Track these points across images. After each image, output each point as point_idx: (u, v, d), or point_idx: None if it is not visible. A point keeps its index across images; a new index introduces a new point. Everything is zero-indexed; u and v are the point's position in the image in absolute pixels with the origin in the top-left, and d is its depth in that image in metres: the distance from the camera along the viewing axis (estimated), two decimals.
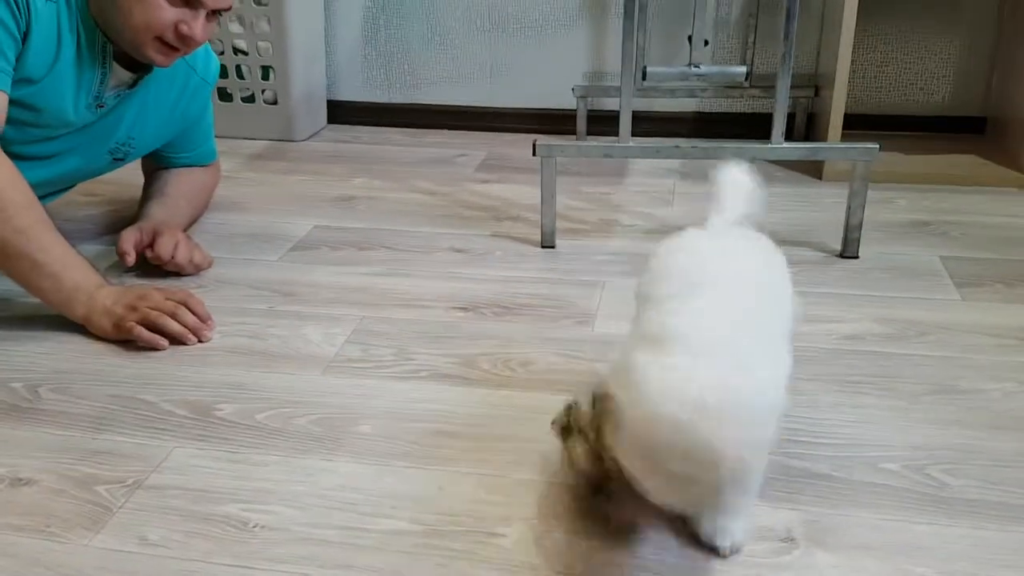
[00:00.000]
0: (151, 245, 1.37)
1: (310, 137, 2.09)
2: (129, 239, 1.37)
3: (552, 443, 0.86)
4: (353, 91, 2.17)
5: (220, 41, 1.96)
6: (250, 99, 2.03)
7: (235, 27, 1.96)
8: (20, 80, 1.18)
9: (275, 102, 2.02)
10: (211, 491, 0.91)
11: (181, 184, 1.52)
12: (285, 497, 0.90)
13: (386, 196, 1.72)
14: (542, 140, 1.42)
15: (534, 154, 1.42)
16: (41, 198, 1.23)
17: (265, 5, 1.91)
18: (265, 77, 2.00)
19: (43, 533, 0.85)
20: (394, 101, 2.17)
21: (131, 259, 1.35)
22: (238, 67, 2.00)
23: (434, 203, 1.69)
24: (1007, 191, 1.67)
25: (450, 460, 0.96)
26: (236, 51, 1.98)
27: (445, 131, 2.13)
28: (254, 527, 0.86)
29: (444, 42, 2.10)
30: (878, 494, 0.89)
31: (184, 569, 0.81)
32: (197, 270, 1.39)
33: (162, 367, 1.14)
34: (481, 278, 1.39)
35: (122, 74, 1.30)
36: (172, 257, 1.36)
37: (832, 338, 1.18)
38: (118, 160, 1.44)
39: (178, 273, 1.38)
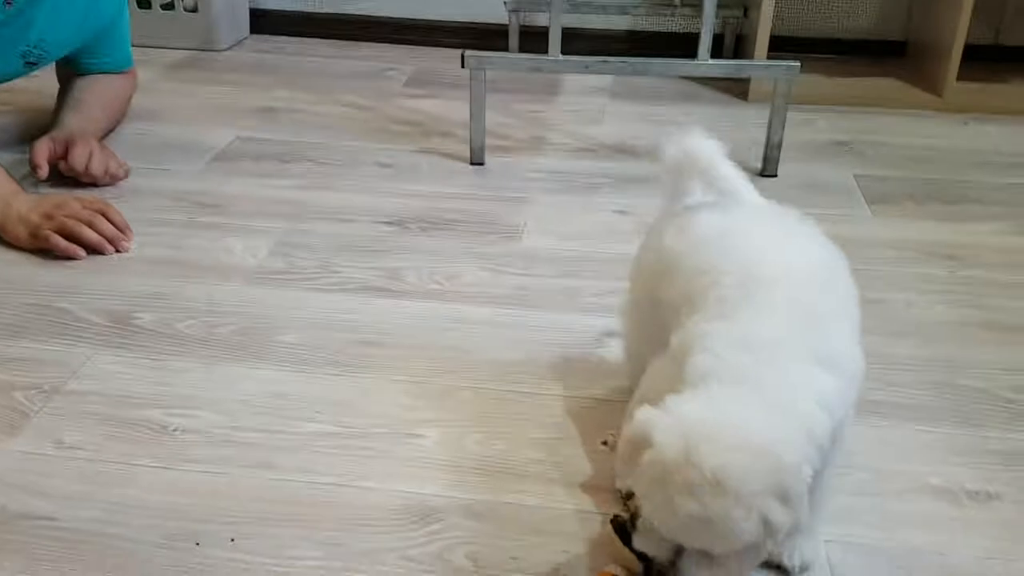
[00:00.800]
0: (65, 156, 1.32)
1: (232, 47, 2.01)
2: (42, 151, 1.31)
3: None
4: (277, 0, 2.10)
5: None
6: (169, 6, 1.94)
7: None
8: None
9: (195, 10, 1.94)
10: (131, 396, 0.91)
11: (96, 91, 1.46)
12: (207, 402, 0.90)
13: (310, 109, 1.68)
14: (471, 53, 1.40)
15: (463, 66, 1.40)
16: None
17: None
18: None
19: None
20: (321, 11, 2.10)
21: (44, 172, 1.30)
22: None
23: (361, 117, 1.66)
24: (923, 113, 1.72)
25: (375, 368, 0.98)
26: None
27: (373, 44, 2.08)
28: (174, 430, 0.86)
29: None
30: None
31: (102, 470, 0.81)
32: (113, 180, 1.35)
33: (80, 276, 1.12)
34: (408, 193, 1.38)
35: None
36: (86, 168, 1.31)
37: None
38: (31, 64, 1.38)
39: (94, 184, 1.33)
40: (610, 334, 1.02)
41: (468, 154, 1.49)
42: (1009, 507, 0.79)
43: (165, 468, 0.82)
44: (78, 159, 1.31)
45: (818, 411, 0.60)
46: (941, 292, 1.13)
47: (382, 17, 2.08)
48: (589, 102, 1.77)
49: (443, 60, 1.99)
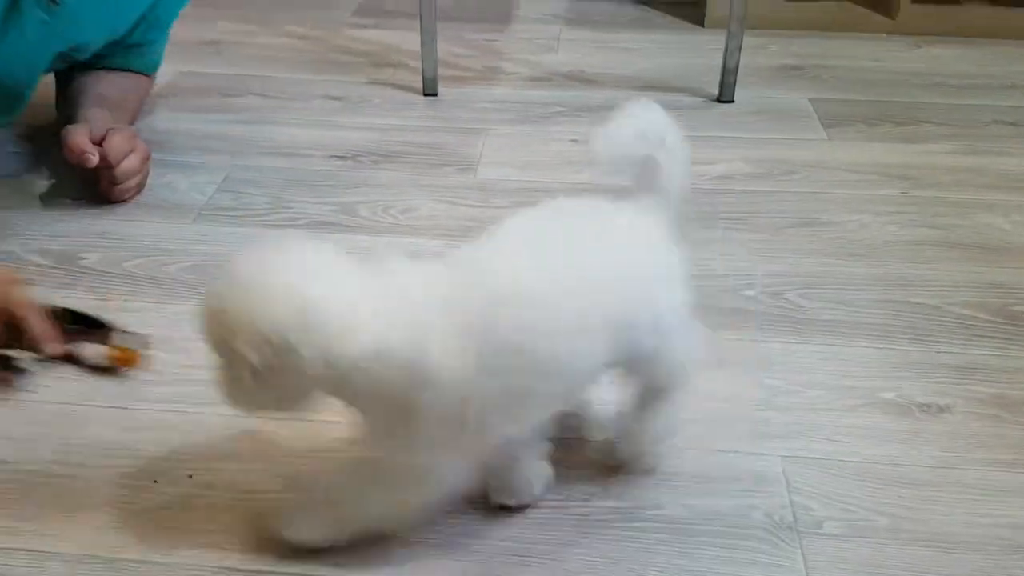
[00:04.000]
0: (100, 143, 1.09)
1: None
2: (82, 135, 1.08)
3: None
4: None
5: None
6: None
7: None
8: None
9: None
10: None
11: (119, 88, 1.23)
12: (158, 341, 0.88)
13: (254, 41, 1.63)
14: None
15: None
16: None
17: None
18: None
19: None
20: None
21: (95, 158, 1.06)
22: None
23: (307, 48, 1.61)
24: (875, 36, 1.71)
25: None
26: None
27: None
28: (127, 371, 0.84)
29: None
30: (739, 318, 0.94)
31: (56, 412, 0.79)
32: (130, 194, 1.13)
33: (21, 217, 1.08)
34: (359, 126, 1.34)
35: None
36: (119, 164, 1.09)
37: (704, 179, 1.21)
38: (63, 62, 1.20)
39: (110, 184, 1.11)
40: None
41: (420, 85, 1.45)
42: (959, 418, 0.82)
43: (119, 408, 0.80)
44: (117, 149, 1.09)
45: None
46: (894, 213, 1.14)
47: None
48: (543, 30, 1.73)
49: None
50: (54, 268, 0.99)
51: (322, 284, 0.58)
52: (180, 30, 1.63)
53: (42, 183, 1.17)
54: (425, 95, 1.44)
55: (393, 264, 0.63)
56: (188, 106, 1.38)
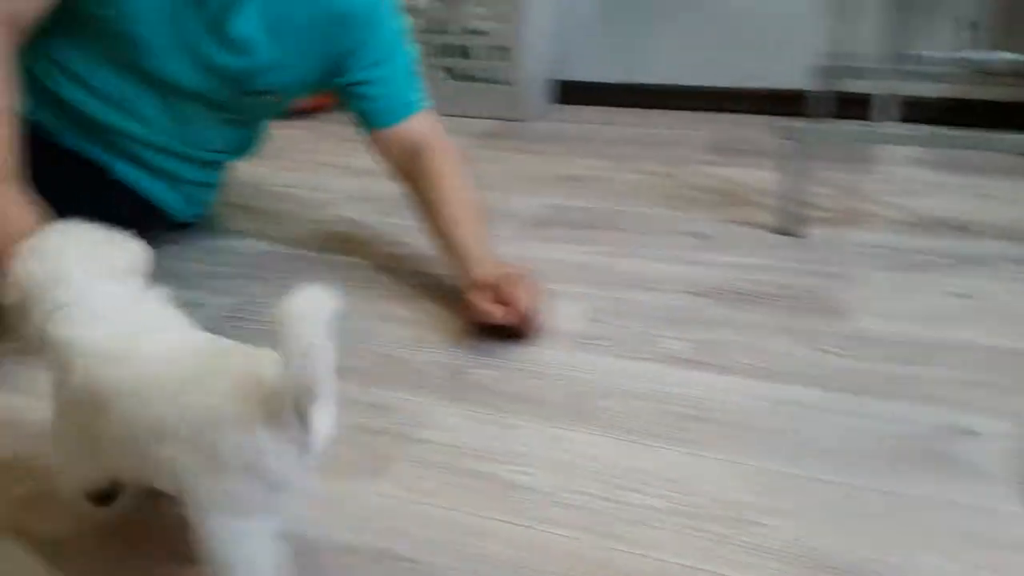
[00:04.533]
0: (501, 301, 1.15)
1: (538, 117, 2.13)
2: (486, 302, 1.15)
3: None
4: (581, 71, 2.19)
5: (457, 21, 2.04)
6: (480, 79, 2.10)
7: (474, 7, 2.02)
8: None
9: (506, 82, 2.08)
10: (474, 449, 0.95)
11: (456, 194, 1.29)
12: (541, 461, 0.93)
13: (615, 176, 1.73)
14: (785, 122, 1.37)
15: (780, 137, 1.37)
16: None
17: None
18: (498, 57, 2.06)
19: (333, 474, 0.92)
20: (621, 81, 2.16)
21: (500, 315, 1.13)
22: (470, 48, 2.07)
23: (664, 184, 1.67)
24: None
25: (698, 443, 0.96)
26: (472, 31, 2.05)
27: (672, 111, 2.11)
28: (518, 487, 0.89)
29: (674, 22, 2.07)
30: None
31: (457, 520, 0.85)
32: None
33: (421, 330, 1.20)
34: (719, 263, 1.36)
35: None
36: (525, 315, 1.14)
37: None
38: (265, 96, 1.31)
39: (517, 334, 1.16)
40: (964, 431, 0.92)
41: (779, 224, 1.45)
42: None
43: (513, 524, 0.84)
44: (522, 304, 1.13)
45: None
46: None
47: (679, 85, 2.11)
48: (907, 172, 1.66)
49: (742, 125, 1.97)
50: (447, 379, 1.09)
51: (79, 270, 0.73)
52: (546, 165, 1.79)
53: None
54: (784, 235, 1.43)
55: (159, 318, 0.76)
56: (557, 236, 1.48)
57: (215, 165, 1.45)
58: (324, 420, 0.66)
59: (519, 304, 1.14)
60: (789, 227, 1.42)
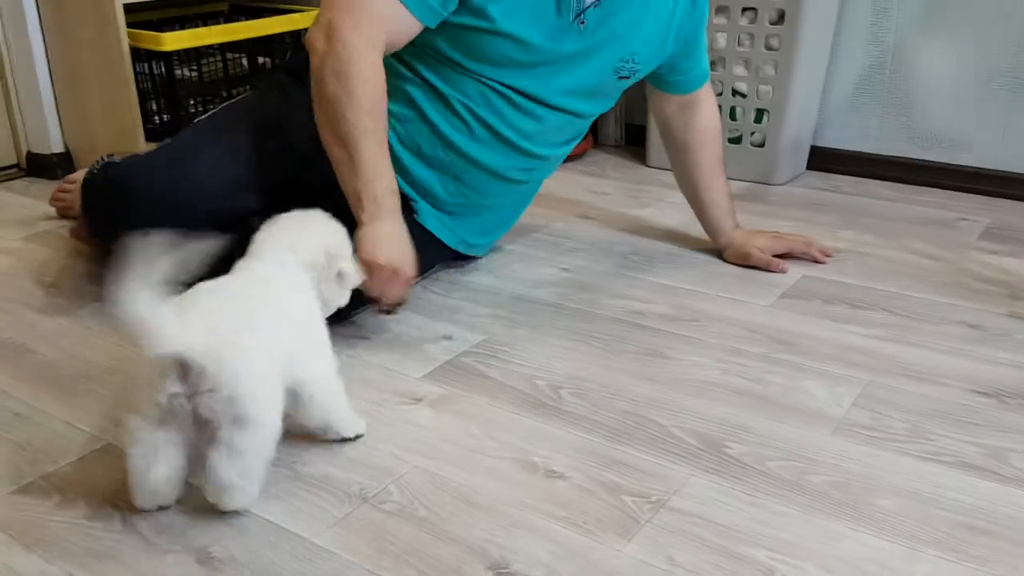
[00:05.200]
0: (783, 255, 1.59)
1: (789, 181, 2.06)
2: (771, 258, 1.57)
3: None
4: (840, 139, 2.10)
5: (721, 83, 2.02)
6: (737, 140, 2.06)
7: (739, 70, 2.00)
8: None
9: (762, 144, 2.03)
10: (732, 529, 0.92)
11: (716, 176, 1.59)
12: (809, 554, 0.88)
13: (878, 253, 1.63)
14: None
15: None
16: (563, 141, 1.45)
17: (775, 51, 1.93)
18: (758, 120, 2.02)
19: (581, 529, 0.93)
20: (883, 153, 2.05)
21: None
22: (732, 108, 2.04)
23: (935, 268, 1.56)
24: None
25: (991, 562, 0.87)
26: (735, 93, 2.03)
27: (938, 190, 1.97)
28: None
29: (953, 97, 1.93)
30: None
31: None
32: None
33: (670, 392, 1.18)
34: (1002, 362, 1.24)
35: None
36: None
37: None
38: (623, 79, 1.44)
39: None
40: None
41: None
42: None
43: None
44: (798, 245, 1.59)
45: None
46: None
47: (949, 164, 1.97)
48: None
49: (1023, 214, 1.80)
50: (702, 450, 1.06)
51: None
52: (800, 232, 1.71)
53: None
54: None
55: None
56: (815, 311, 1.41)
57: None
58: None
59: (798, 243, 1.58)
60: None
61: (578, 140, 1.53)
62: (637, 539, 0.91)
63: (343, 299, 1.09)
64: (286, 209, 1.12)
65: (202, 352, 0.84)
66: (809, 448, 1.06)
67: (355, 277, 1.09)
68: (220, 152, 1.37)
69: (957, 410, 1.13)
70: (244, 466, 0.90)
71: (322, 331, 1.03)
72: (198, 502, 0.95)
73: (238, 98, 1.53)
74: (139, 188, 1.35)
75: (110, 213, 1.38)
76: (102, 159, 1.57)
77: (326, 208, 1.22)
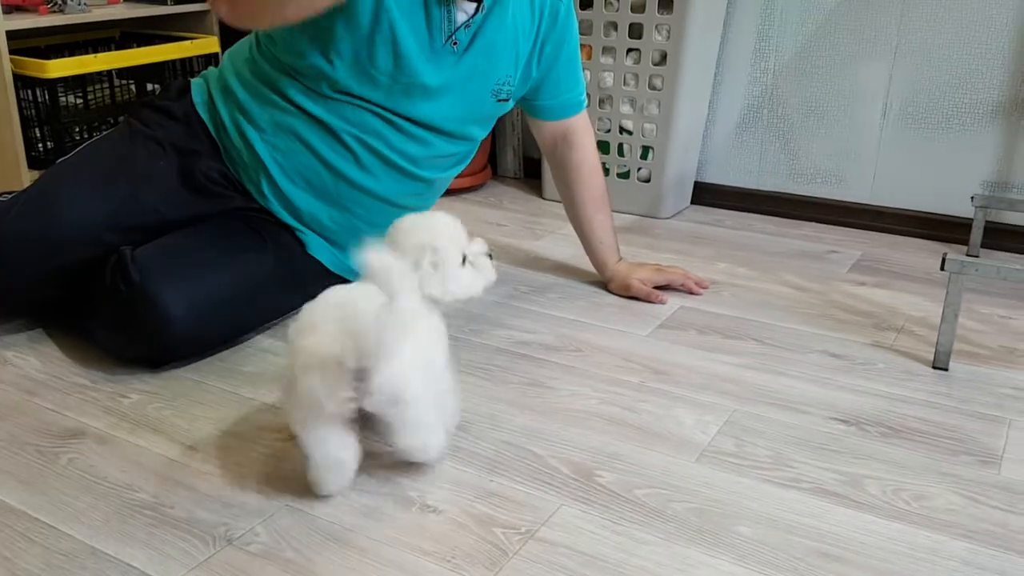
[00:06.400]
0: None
1: (673, 215, 2.13)
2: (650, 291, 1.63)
3: None
4: (721, 175, 2.19)
5: (608, 120, 2.09)
6: (625, 175, 2.13)
7: (626, 108, 2.07)
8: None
9: (648, 180, 2.10)
10: (596, 558, 0.94)
11: (597, 211, 1.64)
12: None
13: (752, 285, 1.70)
14: (953, 257, 1.32)
15: (942, 268, 1.32)
16: (445, 160, 1.47)
17: (658, 90, 2.01)
18: (644, 156, 2.09)
19: (449, 564, 0.93)
20: (762, 188, 2.15)
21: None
22: (620, 145, 2.11)
23: (805, 300, 1.64)
24: None
25: None
26: (622, 130, 2.09)
27: (813, 224, 2.07)
28: None
29: (827, 133, 2.05)
30: None
31: None
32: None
33: (547, 423, 1.21)
34: (863, 391, 1.31)
35: (466, 6, 1.33)
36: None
37: None
38: (502, 101, 1.47)
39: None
40: None
41: (929, 355, 1.39)
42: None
43: None
44: (677, 279, 1.67)
45: None
46: None
47: (825, 199, 2.08)
48: None
49: (891, 247, 1.91)
50: (574, 480, 1.08)
51: None
52: (681, 264, 1.77)
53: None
54: (934, 367, 1.37)
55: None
56: (689, 340, 1.47)
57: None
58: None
59: (676, 275, 1.66)
60: (938, 360, 1.36)
61: (464, 164, 1.56)
62: (504, 571, 0.92)
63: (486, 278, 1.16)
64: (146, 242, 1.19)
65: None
66: (674, 476, 1.09)
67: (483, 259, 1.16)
68: (85, 191, 1.36)
69: (817, 437, 1.19)
70: (416, 428, 1.03)
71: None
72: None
73: (103, 134, 1.52)
74: (8, 235, 1.32)
75: None
76: None
77: (192, 235, 1.22)
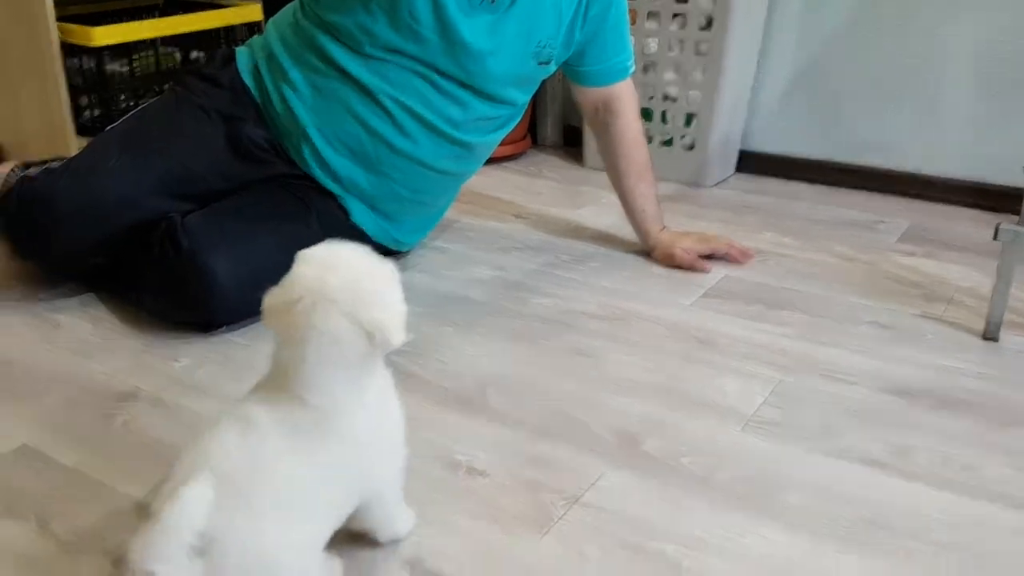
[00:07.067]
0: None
1: (718, 184, 2.11)
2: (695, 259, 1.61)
3: None
4: (767, 142, 2.16)
5: (652, 87, 2.06)
6: (668, 143, 2.10)
7: (669, 75, 2.04)
8: None
9: (692, 148, 2.07)
10: (642, 523, 0.95)
11: (640, 180, 1.62)
12: (716, 550, 0.91)
13: (798, 255, 1.68)
14: (1008, 226, 1.28)
15: (995, 237, 1.29)
16: (485, 122, 1.46)
17: (704, 55, 1.97)
18: (687, 124, 2.06)
19: (497, 525, 0.94)
20: (808, 156, 2.11)
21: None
22: (663, 112, 2.08)
23: (852, 270, 1.61)
24: None
25: (887, 555, 0.91)
26: (666, 97, 2.06)
27: (861, 192, 2.03)
28: (687, 570, 0.87)
29: (876, 100, 2.00)
30: None
31: None
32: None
33: (594, 392, 1.21)
34: (912, 362, 1.29)
35: None
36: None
37: None
38: (544, 64, 1.47)
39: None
40: None
41: (979, 326, 1.36)
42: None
43: None
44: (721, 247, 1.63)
45: None
46: None
47: (873, 167, 2.03)
48: None
49: (941, 216, 1.87)
50: (619, 447, 1.08)
51: None
52: (726, 233, 1.75)
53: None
54: (984, 339, 1.34)
55: None
56: (734, 310, 1.45)
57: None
58: None
59: (720, 245, 1.63)
60: (989, 331, 1.33)
61: (508, 129, 1.55)
62: (552, 534, 0.93)
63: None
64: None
65: None
66: (720, 444, 1.09)
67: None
68: (135, 159, 1.38)
69: (866, 408, 1.17)
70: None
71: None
72: None
73: (150, 102, 1.54)
74: (59, 201, 1.35)
75: (32, 235, 1.37)
76: (14, 171, 1.54)
77: (240, 203, 1.22)
